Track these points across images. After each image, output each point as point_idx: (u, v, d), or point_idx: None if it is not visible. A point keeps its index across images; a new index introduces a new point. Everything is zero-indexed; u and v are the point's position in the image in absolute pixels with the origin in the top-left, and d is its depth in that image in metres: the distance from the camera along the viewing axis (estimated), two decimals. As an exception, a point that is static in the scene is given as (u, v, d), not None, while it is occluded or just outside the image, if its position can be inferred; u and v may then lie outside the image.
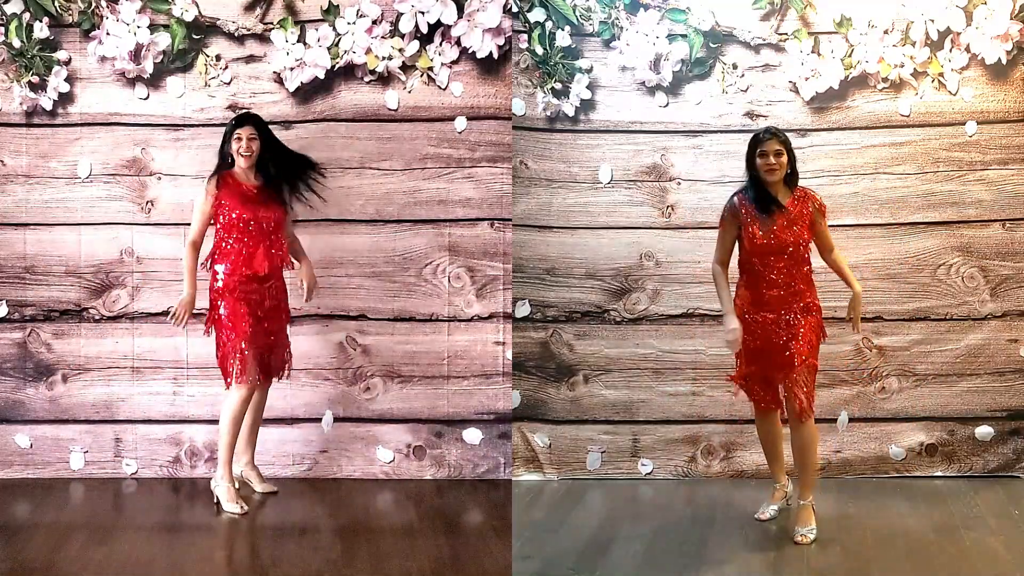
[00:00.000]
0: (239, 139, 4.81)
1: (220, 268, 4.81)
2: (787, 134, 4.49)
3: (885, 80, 5.18)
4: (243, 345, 4.74)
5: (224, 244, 4.82)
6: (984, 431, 5.33)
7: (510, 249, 5.36)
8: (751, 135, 4.49)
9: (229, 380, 4.76)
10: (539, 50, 5.26)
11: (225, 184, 4.82)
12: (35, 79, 5.18)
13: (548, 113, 5.34)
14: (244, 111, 5.04)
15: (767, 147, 4.38)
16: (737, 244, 4.50)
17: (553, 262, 5.42)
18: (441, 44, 5.23)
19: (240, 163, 4.83)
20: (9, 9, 5.15)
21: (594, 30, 5.29)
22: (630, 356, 5.41)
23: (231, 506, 4.78)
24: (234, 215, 4.79)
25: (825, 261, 4.58)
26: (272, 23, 5.22)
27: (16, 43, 5.14)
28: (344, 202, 5.30)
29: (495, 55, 5.21)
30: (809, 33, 5.18)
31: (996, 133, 5.22)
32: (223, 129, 5.07)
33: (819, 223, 4.46)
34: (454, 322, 5.38)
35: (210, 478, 5.31)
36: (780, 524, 4.64)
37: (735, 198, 4.48)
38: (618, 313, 5.41)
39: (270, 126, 4.92)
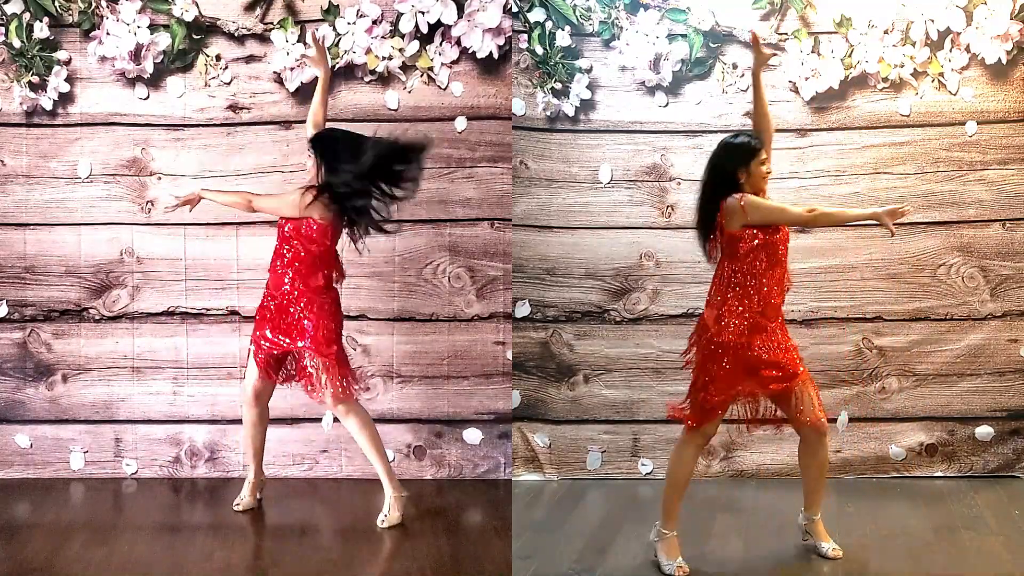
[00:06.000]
0: None
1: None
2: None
3: (885, 80, 5.18)
4: (251, 349, 4.72)
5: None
6: (984, 431, 5.33)
7: (510, 249, 5.36)
8: (736, 143, 4.15)
9: None
10: (539, 50, 5.26)
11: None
12: (35, 79, 5.18)
13: (548, 113, 5.34)
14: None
15: (765, 155, 4.13)
16: (726, 259, 4.17)
17: (553, 262, 5.42)
18: (441, 44, 5.23)
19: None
20: (9, 9, 5.15)
21: (594, 30, 5.29)
22: (630, 356, 5.41)
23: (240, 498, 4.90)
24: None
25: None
26: (272, 23, 5.22)
27: (16, 43, 5.13)
28: (344, 202, 5.30)
29: (495, 55, 5.21)
30: (809, 33, 5.18)
31: (996, 133, 5.22)
32: (223, 129, 5.08)
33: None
34: (454, 322, 5.38)
35: (210, 478, 5.34)
36: (779, 525, 4.63)
37: (737, 198, 4.13)
38: (618, 313, 5.41)
39: (271, 126, 4.90)
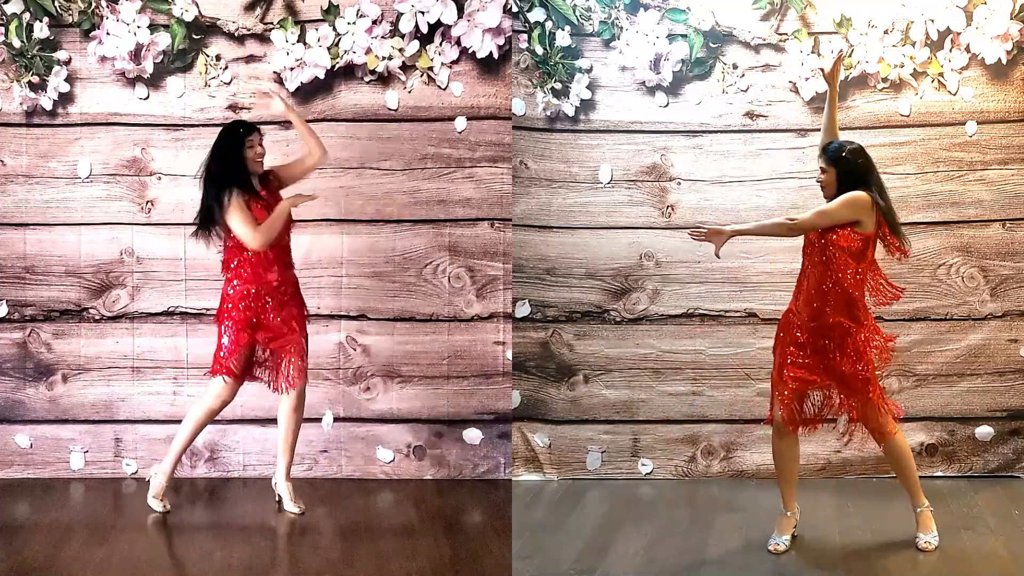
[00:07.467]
0: (252, 146, 4.66)
1: (237, 280, 4.69)
2: (844, 149, 4.28)
3: (885, 80, 5.18)
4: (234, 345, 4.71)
5: (240, 255, 4.68)
6: (984, 431, 5.33)
7: (510, 249, 5.36)
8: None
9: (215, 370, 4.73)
10: (539, 50, 5.26)
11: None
12: (35, 79, 5.18)
13: (548, 113, 5.34)
14: (239, 119, 4.91)
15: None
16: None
17: (553, 262, 5.42)
18: (441, 44, 5.23)
19: (255, 170, 4.70)
20: (9, 9, 5.15)
21: (594, 30, 5.29)
22: (630, 356, 5.41)
23: (154, 501, 4.80)
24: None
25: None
26: (272, 23, 5.22)
27: (16, 43, 5.13)
28: (344, 202, 5.30)
29: (495, 55, 5.21)
30: (809, 33, 5.18)
31: (996, 133, 5.22)
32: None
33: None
34: (454, 322, 5.38)
35: (210, 478, 5.33)
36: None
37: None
38: (618, 313, 5.41)
39: (271, 126, 4.91)
